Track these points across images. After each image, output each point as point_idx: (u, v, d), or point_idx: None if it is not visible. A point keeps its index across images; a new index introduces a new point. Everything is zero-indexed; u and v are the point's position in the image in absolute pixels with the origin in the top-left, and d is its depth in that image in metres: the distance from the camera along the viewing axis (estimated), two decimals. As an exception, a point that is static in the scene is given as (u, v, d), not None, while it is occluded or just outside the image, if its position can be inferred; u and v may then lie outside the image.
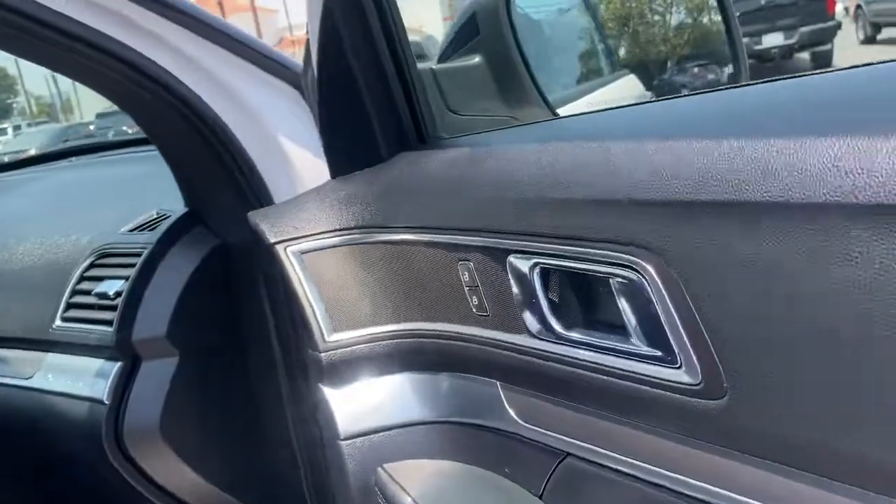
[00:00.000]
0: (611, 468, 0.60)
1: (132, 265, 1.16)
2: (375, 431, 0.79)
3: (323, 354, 0.80)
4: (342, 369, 0.80)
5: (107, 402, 1.10)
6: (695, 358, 0.48)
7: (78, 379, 1.17)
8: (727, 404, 0.47)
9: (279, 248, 0.78)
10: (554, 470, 0.66)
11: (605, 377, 0.56)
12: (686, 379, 0.49)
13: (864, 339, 0.39)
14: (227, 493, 1.19)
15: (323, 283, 0.78)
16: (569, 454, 0.65)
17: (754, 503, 0.48)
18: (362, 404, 0.80)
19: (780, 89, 0.53)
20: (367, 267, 0.77)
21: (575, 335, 0.59)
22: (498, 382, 0.71)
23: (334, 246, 0.78)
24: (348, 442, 0.79)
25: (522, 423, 0.69)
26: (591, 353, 0.58)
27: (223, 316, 1.16)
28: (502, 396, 0.71)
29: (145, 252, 1.16)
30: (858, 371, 0.41)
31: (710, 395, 0.48)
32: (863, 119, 0.41)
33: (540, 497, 0.70)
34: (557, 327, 0.61)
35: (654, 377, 0.52)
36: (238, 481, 1.20)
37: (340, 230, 0.77)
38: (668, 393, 0.51)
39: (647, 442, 0.56)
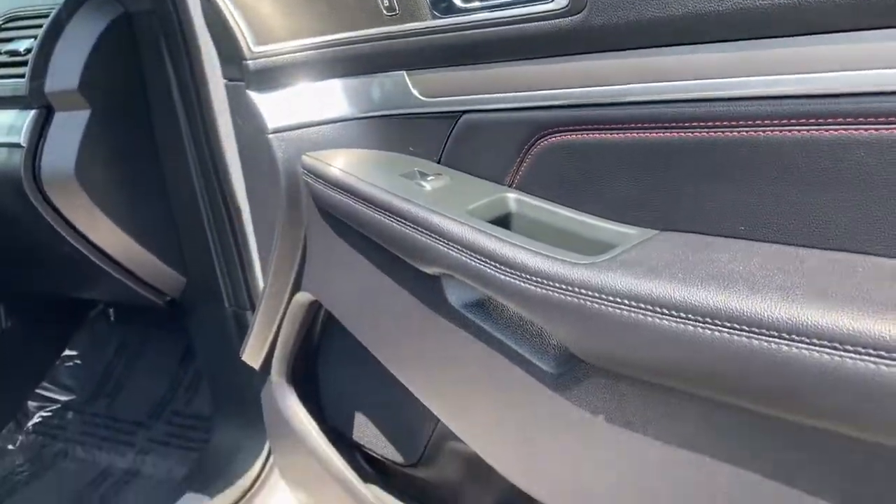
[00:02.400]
0: (499, 110, 0.79)
1: (40, 26, 1.22)
2: (300, 127, 0.94)
3: (250, 62, 0.94)
4: (267, 76, 0.94)
5: (24, 145, 1.18)
6: None
7: (-5, 128, 1.23)
8: (587, 14, 0.66)
9: None
10: (451, 130, 0.85)
11: (498, 28, 0.75)
12: (560, 5, 0.68)
13: None
14: (134, 239, 1.30)
15: (245, 6, 0.91)
16: (464, 112, 0.83)
17: (625, 86, 0.68)
18: (288, 105, 0.95)
19: None
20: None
21: (475, 3, 0.77)
22: (404, 72, 0.88)
23: None
24: (276, 135, 0.94)
25: (425, 98, 0.86)
26: (486, 13, 0.75)
27: (130, 77, 1.25)
28: (407, 81, 0.87)
29: (52, 13, 1.21)
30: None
31: (575, 11, 0.67)
32: None
33: (439, 161, 0.89)
34: (458, 2, 0.78)
35: (535, 13, 0.70)
36: (146, 229, 1.32)
37: None
38: (545, 22, 0.70)
39: (532, 74, 0.75)
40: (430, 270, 0.80)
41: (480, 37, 0.77)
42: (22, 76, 1.20)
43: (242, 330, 1.38)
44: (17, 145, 1.18)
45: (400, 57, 0.87)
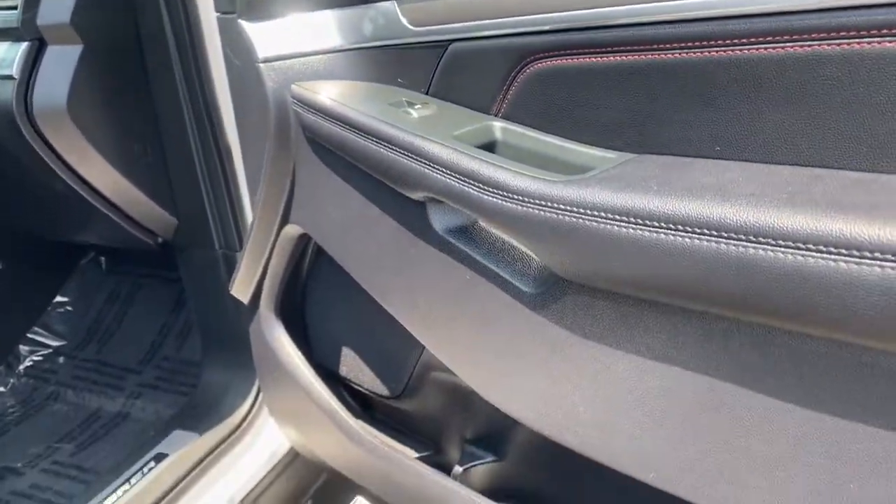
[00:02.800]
0: (487, 37, 0.81)
1: (32, -42, 1.21)
2: (290, 57, 0.95)
3: (241, -9, 0.94)
4: (258, 5, 0.95)
5: (16, 77, 1.18)
6: None
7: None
8: None
9: None
10: (440, 60, 0.86)
11: None
12: None
13: None
14: (125, 177, 1.31)
15: None
16: (452, 41, 0.84)
17: None
18: (278, 35, 0.95)
19: None
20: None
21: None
22: (394, 1, 0.89)
23: None
24: (266, 65, 0.94)
25: (414, 28, 0.87)
26: None
27: (123, 13, 1.25)
28: (398, 11, 0.88)
29: (45, -55, 1.21)
30: None
31: None
32: None
33: (427, 93, 0.90)
34: None
35: None
36: (137, 168, 1.32)
37: None
38: None
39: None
40: (415, 196, 0.82)
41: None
42: (14, 8, 1.20)
43: (231, 271, 1.39)
44: (10, 77, 1.19)
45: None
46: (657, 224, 0.58)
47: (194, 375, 1.75)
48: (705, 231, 0.55)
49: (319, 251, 1.09)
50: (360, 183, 0.91)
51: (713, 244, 0.55)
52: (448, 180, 0.75)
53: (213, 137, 1.27)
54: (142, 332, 1.93)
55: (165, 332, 1.91)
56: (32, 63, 1.19)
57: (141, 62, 1.28)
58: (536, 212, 0.67)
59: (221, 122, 1.25)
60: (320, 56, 0.95)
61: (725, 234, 0.54)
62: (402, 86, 0.92)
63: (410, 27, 0.88)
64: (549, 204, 0.66)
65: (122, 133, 1.30)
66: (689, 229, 0.56)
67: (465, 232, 0.81)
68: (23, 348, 1.93)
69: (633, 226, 0.59)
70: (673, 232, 0.57)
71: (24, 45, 1.19)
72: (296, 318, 1.19)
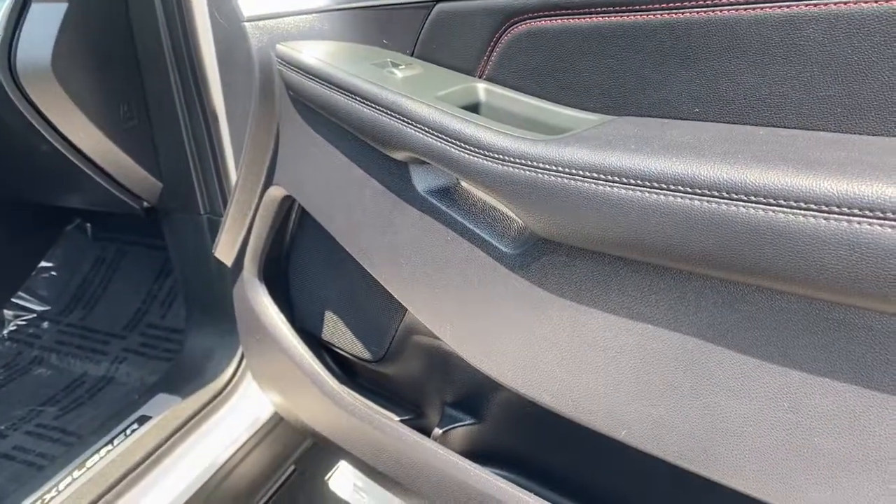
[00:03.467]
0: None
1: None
2: (276, 17, 0.95)
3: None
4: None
5: (-1, 34, 1.17)
6: None
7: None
8: None
9: None
10: (424, 21, 0.86)
11: None
12: None
13: None
14: (110, 139, 1.30)
15: None
16: (437, 1, 0.84)
17: None
18: (263, -7, 0.95)
19: None
20: None
21: None
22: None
23: None
24: (252, 23, 0.94)
25: (402, -13, 0.87)
26: None
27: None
28: (385, -28, 0.88)
29: None
30: None
31: None
32: None
33: (412, 54, 0.90)
34: None
35: None
36: (122, 130, 1.32)
37: None
38: None
39: None
40: (398, 156, 0.82)
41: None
42: (-3, -36, 1.18)
43: (216, 236, 1.39)
44: (-7, 35, 1.18)
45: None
46: (633, 182, 0.58)
47: (178, 342, 1.76)
48: (679, 188, 0.56)
49: (303, 213, 1.09)
50: (343, 144, 0.91)
51: (686, 201, 0.55)
52: (430, 140, 0.75)
53: (199, 100, 1.26)
54: (127, 299, 1.93)
55: (150, 299, 1.91)
56: (16, 20, 1.18)
57: (127, 22, 1.27)
58: (516, 170, 0.67)
59: (207, 85, 1.24)
60: (306, 16, 0.95)
61: (699, 191, 0.55)
62: (386, 47, 0.92)
63: (397, -15, 0.88)
64: (529, 162, 0.66)
65: (107, 95, 1.29)
66: (664, 186, 0.57)
67: (447, 193, 0.82)
68: (7, 312, 1.93)
69: (611, 184, 0.60)
70: (648, 189, 0.57)
71: (7, 1, 1.18)
72: (279, 281, 1.19)
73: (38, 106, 1.21)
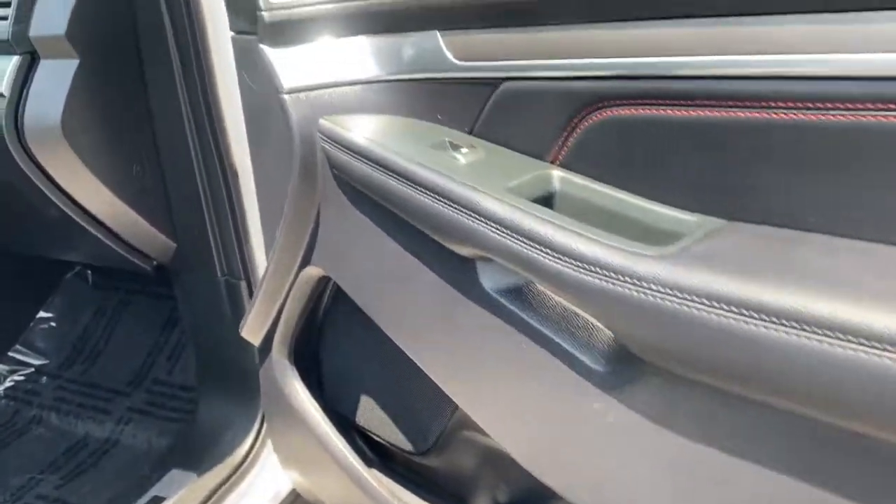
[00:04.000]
0: (544, 78, 0.73)
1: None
2: (318, 88, 0.86)
3: (265, 14, 0.85)
4: (284, 30, 0.86)
5: (6, 95, 1.08)
6: None
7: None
8: None
9: None
10: (489, 99, 0.78)
11: None
12: None
13: None
14: (122, 200, 1.22)
15: None
16: (504, 79, 0.76)
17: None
18: (306, 63, 0.87)
19: None
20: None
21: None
22: (438, 32, 0.80)
23: None
24: (292, 95, 0.86)
25: (460, 62, 0.79)
26: None
27: (123, 25, 1.16)
28: (441, 42, 0.80)
29: (39, -49, 1.11)
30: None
31: None
32: None
33: (470, 133, 0.82)
34: None
35: None
36: (135, 190, 1.23)
37: None
38: None
39: (584, 39, 0.68)
40: (463, 252, 0.73)
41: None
42: (5, 19, 1.09)
43: (234, 300, 1.31)
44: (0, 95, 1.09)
45: (433, 14, 0.80)
46: (775, 319, 0.50)
47: (187, 401, 1.66)
48: (839, 335, 0.48)
49: (338, 293, 1.01)
50: (395, 229, 0.82)
51: (848, 352, 0.47)
52: (507, 241, 0.67)
53: (217, 158, 1.18)
54: (130, 353, 1.83)
55: (156, 352, 1.82)
56: (24, 79, 1.09)
57: (140, 78, 1.19)
58: (618, 288, 0.59)
59: (228, 143, 1.16)
60: (352, 87, 0.87)
61: (864, 342, 0.47)
62: (441, 123, 0.84)
63: (455, 61, 0.80)
64: (634, 281, 0.58)
65: (119, 153, 1.21)
66: (818, 330, 0.48)
67: (521, 294, 0.73)
68: (2, 367, 1.82)
69: (746, 319, 0.52)
70: (796, 331, 0.49)
71: (15, 60, 1.09)
72: (310, 362, 1.11)
73: (46, 168, 1.13)
